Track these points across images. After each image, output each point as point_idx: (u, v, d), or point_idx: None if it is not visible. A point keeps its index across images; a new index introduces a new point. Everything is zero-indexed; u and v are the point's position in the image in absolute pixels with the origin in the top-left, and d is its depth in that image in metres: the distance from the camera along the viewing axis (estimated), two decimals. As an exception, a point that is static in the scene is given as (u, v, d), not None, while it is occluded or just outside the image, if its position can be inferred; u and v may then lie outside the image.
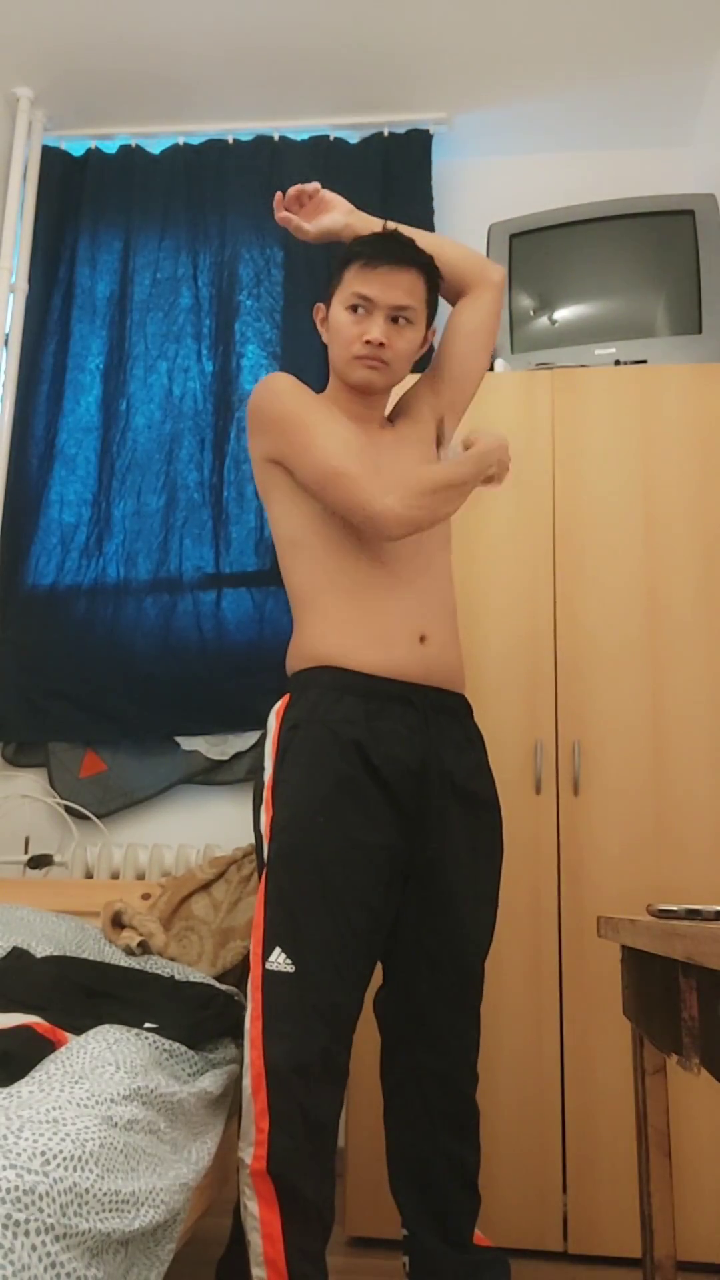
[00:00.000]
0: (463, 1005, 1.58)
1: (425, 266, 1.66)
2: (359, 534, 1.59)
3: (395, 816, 1.53)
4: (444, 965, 1.57)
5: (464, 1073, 1.59)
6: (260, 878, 1.52)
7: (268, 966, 1.42)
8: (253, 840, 2.41)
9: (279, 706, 1.61)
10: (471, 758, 1.65)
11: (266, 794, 1.55)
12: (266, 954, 1.43)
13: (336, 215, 1.75)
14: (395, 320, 1.63)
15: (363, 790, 1.50)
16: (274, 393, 1.63)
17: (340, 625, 1.58)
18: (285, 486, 1.64)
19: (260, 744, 1.64)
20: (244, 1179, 1.38)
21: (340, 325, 1.65)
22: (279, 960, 1.42)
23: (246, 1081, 1.40)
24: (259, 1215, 1.35)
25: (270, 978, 1.42)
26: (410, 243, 1.67)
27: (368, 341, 1.61)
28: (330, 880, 1.45)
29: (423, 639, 1.61)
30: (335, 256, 1.74)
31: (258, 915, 1.47)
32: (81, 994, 1.66)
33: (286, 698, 1.61)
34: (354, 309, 1.62)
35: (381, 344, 1.61)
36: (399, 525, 1.53)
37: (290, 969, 1.41)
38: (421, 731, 1.58)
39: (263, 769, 1.59)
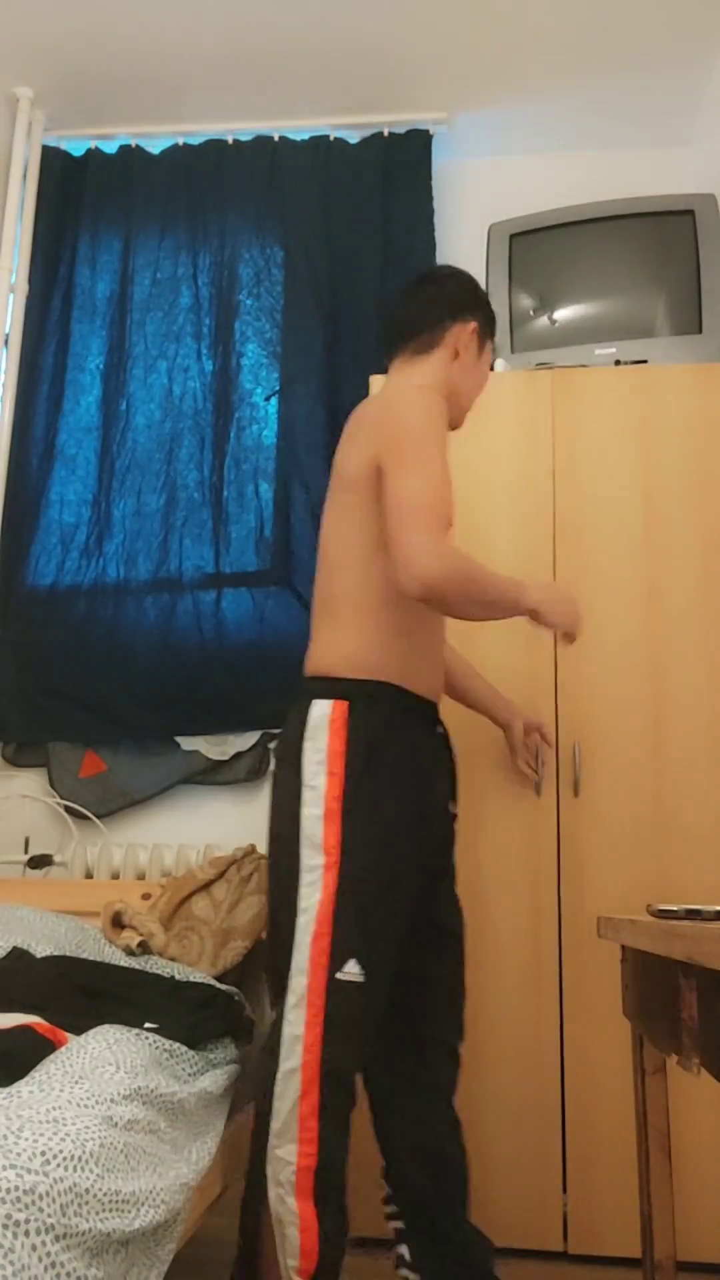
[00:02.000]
0: (456, 978, 1.69)
1: None
2: None
3: (436, 831, 1.66)
4: (450, 947, 1.68)
5: (459, 1040, 1.69)
6: (312, 887, 1.50)
7: (339, 976, 1.45)
8: (251, 841, 2.40)
9: (334, 713, 1.55)
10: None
11: (329, 806, 1.51)
12: (338, 964, 1.46)
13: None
14: None
15: (429, 811, 1.62)
16: (420, 401, 1.60)
17: (405, 644, 1.60)
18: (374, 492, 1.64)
19: (296, 743, 1.57)
20: (283, 1175, 1.40)
21: (486, 378, 1.83)
22: (353, 971, 1.46)
23: (293, 1083, 1.42)
24: (298, 1211, 1.38)
25: (339, 987, 1.45)
26: None
27: None
28: (400, 897, 1.54)
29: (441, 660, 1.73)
30: (484, 293, 1.82)
31: (322, 924, 1.47)
32: (81, 994, 1.66)
33: (344, 705, 1.55)
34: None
35: None
36: (424, 590, 1.48)
37: (361, 979, 1.46)
38: (446, 749, 1.72)
39: (300, 771, 1.54)
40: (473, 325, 1.75)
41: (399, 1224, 1.62)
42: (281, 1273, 1.40)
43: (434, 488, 1.51)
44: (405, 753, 1.57)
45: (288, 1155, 1.40)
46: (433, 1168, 1.61)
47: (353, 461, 1.62)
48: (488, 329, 1.79)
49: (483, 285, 2.62)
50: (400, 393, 1.62)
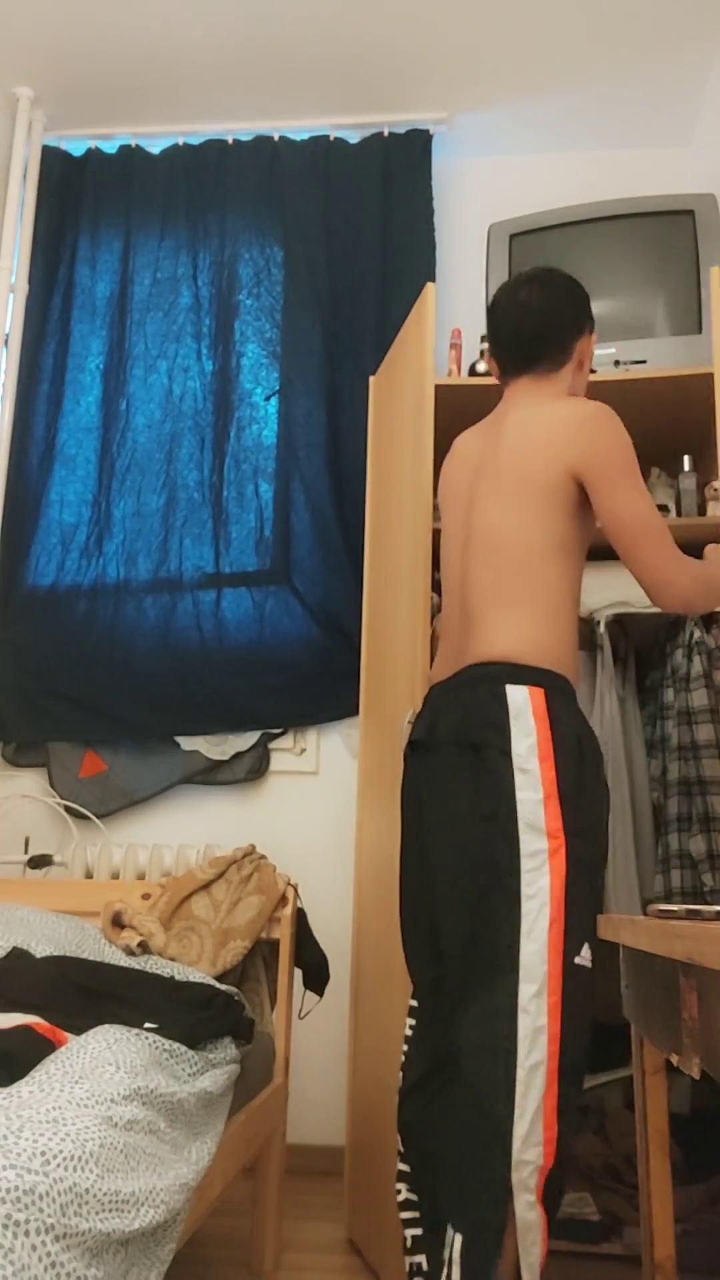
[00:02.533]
0: None
1: None
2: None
3: None
4: None
5: None
6: (537, 871, 1.48)
7: (576, 961, 1.43)
8: (250, 841, 2.40)
9: (536, 700, 1.56)
10: None
11: (548, 790, 1.52)
12: (574, 950, 1.44)
13: None
14: None
15: None
16: (620, 427, 1.69)
17: (572, 642, 1.66)
18: (576, 501, 1.67)
19: (501, 726, 1.55)
20: (532, 1181, 1.34)
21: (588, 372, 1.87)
22: (586, 955, 1.45)
23: (539, 1079, 1.37)
24: (542, 1215, 1.35)
25: (575, 972, 1.43)
26: None
27: None
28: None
29: None
30: (583, 295, 1.82)
31: (557, 909, 1.45)
32: (81, 994, 1.66)
33: (543, 692, 1.58)
34: None
35: None
36: (683, 606, 1.63)
37: (590, 963, 1.46)
38: None
39: (510, 755, 1.53)
40: (594, 335, 1.85)
41: (416, 1231, 1.55)
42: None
43: (655, 510, 1.65)
44: (599, 748, 1.63)
45: (534, 1158, 1.34)
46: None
47: (542, 466, 1.68)
48: (592, 334, 1.87)
49: (483, 285, 2.62)
50: (590, 409, 1.69)
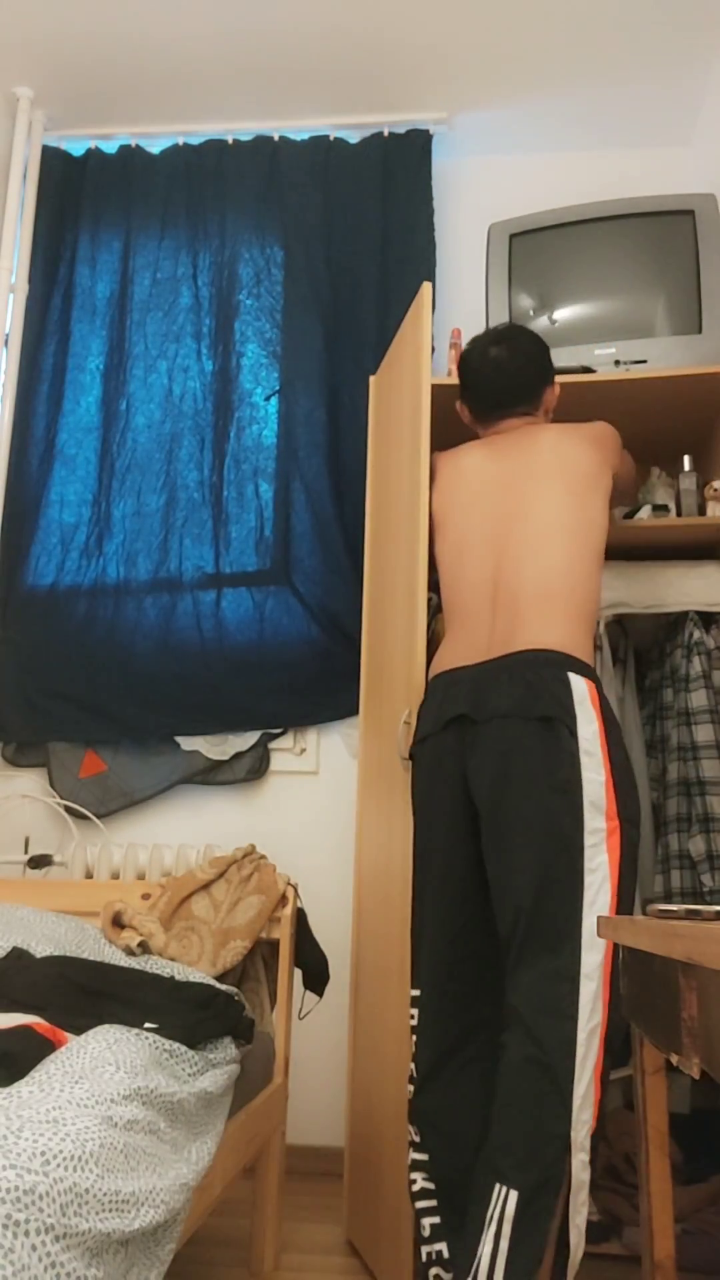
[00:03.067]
0: None
1: None
2: None
3: None
4: None
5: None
6: (598, 849, 1.56)
7: None
8: (251, 841, 2.40)
9: (593, 692, 1.65)
10: None
11: (606, 776, 1.61)
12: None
13: None
14: None
15: None
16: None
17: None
18: (606, 501, 1.87)
19: (568, 708, 1.63)
20: (586, 1141, 1.40)
21: None
22: None
23: (596, 1041, 1.44)
24: (591, 1175, 1.41)
25: (619, 947, 1.49)
26: None
27: None
28: None
29: None
30: (546, 351, 2.03)
31: (614, 885, 1.54)
32: (81, 994, 1.66)
33: (595, 686, 1.67)
34: None
35: None
36: None
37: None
38: None
39: (576, 737, 1.61)
40: (556, 387, 2.05)
41: (435, 1219, 1.56)
42: (571, 1242, 1.39)
43: None
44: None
45: (588, 1118, 1.41)
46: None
47: (587, 462, 1.86)
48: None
49: (482, 285, 2.62)
50: (608, 426, 1.97)
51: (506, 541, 1.82)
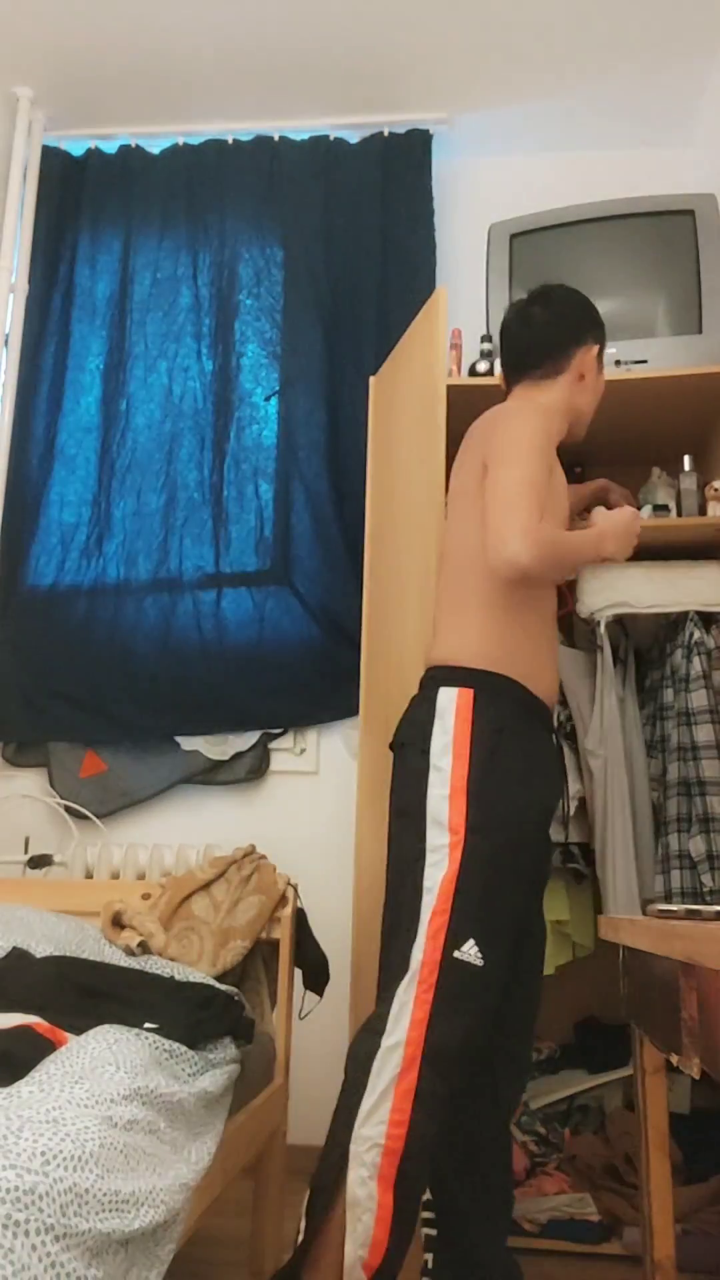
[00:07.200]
0: (537, 991, 1.68)
1: None
2: None
3: (548, 841, 1.71)
4: (533, 956, 1.68)
5: (529, 1054, 1.68)
6: (436, 865, 1.51)
7: (457, 955, 1.45)
8: (251, 841, 2.40)
9: (460, 699, 1.60)
10: None
11: (455, 785, 1.55)
12: (458, 942, 1.46)
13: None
14: None
15: (548, 816, 1.65)
16: (533, 413, 1.72)
17: (529, 646, 1.65)
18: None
19: (425, 726, 1.60)
20: (368, 1157, 1.37)
21: (600, 384, 1.87)
22: (470, 952, 1.46)
23: (394, 1059, 1.41)
24: (378, 1198, 1.35)
25: (455, 966, 1.45)
26: None
27: None
28: (527, 889, 1.57)
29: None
30: (586, 310, 1.86)
31: (441, 902, 1.48)
32: (81, 994, 1.66)
33: (469, 692, 1.60)
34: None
35: None
36: (516, 572, 1.57)
37: (479, 963, 1.46)
38: (563, 769, 1.82)
39: (427, 754, 1.58)
40: (596, 349, 1.84)
41: (430, 1230, 1.58)
42: (345, 1260, 1.36)
43: (527, 478, 1.60)
44: (530, 744, 1.61)
45: (375, 1135, 1.38)
46: (472, 1181, 1.58)
47: (466, 470, 1.73)
48: (600, 347, 1.86)
49: (482, 285, 2.62)
50: (510, 409, 1.73)
51: (441, 544, 1.80)
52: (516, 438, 1.65)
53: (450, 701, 1.61)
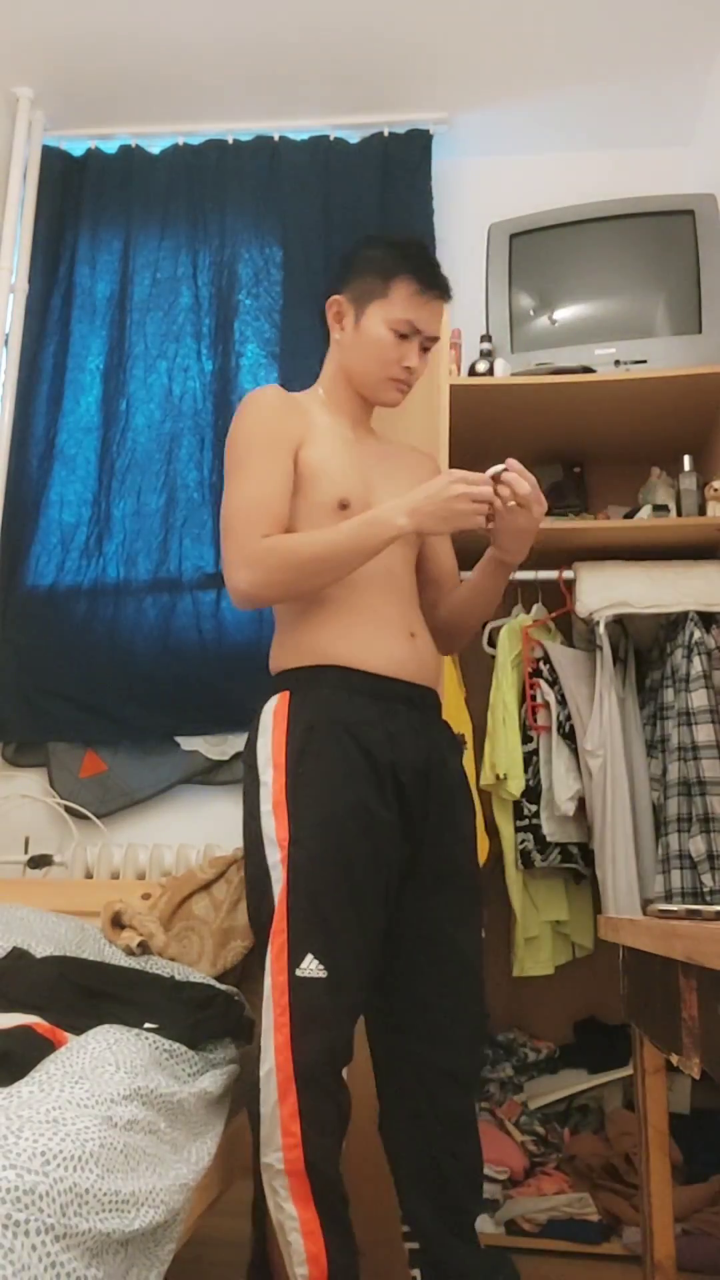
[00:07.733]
0: (468, 997, 1.59)
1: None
2: None
3: (404, 819, 1.54)
4: (447, 958, 1.58)
5: (468, 1066, 1.60)
6: (275, 884, 1.47)
7: (298, 974, 1.40)
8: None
9: (277, 705, 1.56)
10: (459, 758, 1.69)
11: (276, 798, 1.49)
12: (296, 961, 1.41)
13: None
14: (424, 349, 1.68)
15: (384, 794, 1.51)
16: (241, 414, 1.64)
17: (341, 623, 1.58)
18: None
19: (252, 743, 1.58)
20: (276, 1182, 1.37)
21: (381, 343, 1.65)
22: (311, 967, 1.41)
23: (271, 1086, 1.38)
24: (298, 1215, 1.35)
25: (301, 984, 1.40)
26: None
27: (406, 368, 1.66)
28: (358, 884, 1.46)
29: (412, 635, 1.63)
30: (363, 254, 1.69)
31: (278, 922, 1.44)
32: (81, 994, 1.66)
33: (285, 695, 1.56)
34: (399, 334, 1.64)
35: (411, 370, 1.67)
36: (245, 602, 1.55)
37: (323, 974, 1.41)
38: (424, 732, 1.60)
39: (255, 770, 1.54)
40: (336, 300, 1.71)
41: (413, 1245, 1.57)
42: None
43: (242, 494, 1.57)
44: (344, 733, 1.51)
45: (275, 1161, 1.37)
46: (432, 1194, 1.55)
47: None
48: (368, 289, 1.66)
49: (482, 285, 2.62)
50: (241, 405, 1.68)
51: None
52: (230, 446, 1.62)
53: (270, 710, 1.56)
